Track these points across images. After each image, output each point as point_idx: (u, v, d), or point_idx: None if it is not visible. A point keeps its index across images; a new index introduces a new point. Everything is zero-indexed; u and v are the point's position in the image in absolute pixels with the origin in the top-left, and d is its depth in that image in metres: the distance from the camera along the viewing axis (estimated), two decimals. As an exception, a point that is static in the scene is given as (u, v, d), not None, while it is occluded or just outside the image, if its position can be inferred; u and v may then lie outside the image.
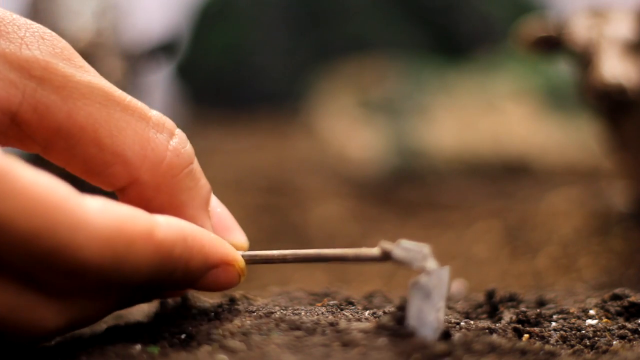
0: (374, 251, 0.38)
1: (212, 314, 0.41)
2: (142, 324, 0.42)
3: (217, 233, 0.43)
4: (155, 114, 0.41)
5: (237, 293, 0.45)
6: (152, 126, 0.41)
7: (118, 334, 0.40)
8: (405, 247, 0.37)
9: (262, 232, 0.94)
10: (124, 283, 0.37)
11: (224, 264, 0.40)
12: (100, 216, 0.35)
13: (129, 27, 1.05)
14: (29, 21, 0.40)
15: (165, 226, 0.37)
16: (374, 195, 1.12)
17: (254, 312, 0.41)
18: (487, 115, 1.32)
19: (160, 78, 1.67)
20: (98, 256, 0.34)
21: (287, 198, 1.10)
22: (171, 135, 0.41)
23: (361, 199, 1.09)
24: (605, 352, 0.40)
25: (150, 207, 0.41)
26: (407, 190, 1.15)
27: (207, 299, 0.44)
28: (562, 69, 1.23)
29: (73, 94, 0.39)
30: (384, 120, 1.33)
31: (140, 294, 0.40)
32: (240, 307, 0.42)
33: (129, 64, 0.95)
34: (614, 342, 0.42)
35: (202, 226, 0.41)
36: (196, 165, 0.42)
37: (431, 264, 0.37)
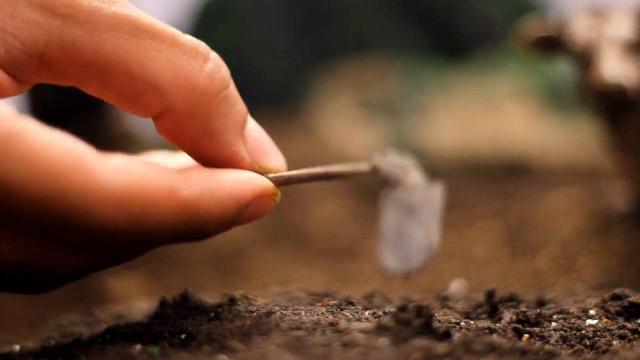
0: (365, 166, 0.38)
1: (212, 314, 0.41)
2: (142, 324, 0.42)
3: (253, 158, 0.42)
4: (188, 39, 0.40)
5: (237, 293, 0.45)
6: (185, 52, 0.40)
7: (118, 334, 0.40)
8: (391, 161, 0.37)
9: (262, 232, 0.94)
10: (146, 241, 0.37)
11: (258, 197, 0.40)
12: (116, 176, 0.34)
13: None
14: None
15: (188, 184, 0.37)
16: (374, 195, 1.12)
17: (254, 312, 0.41)
18: (487, 115, 1.32)
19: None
20: (112, 218, 0.34)
21: (287, 198, 1.10)
22: (205, 60, 0.40)
23: (361, 199, 1.08)
24: (605, 352, 0.40)
25: (185, 134, 0.40)
26: (407, 190, 1.14)
27: (207, 299, 0.44)
28: (562, 69, 1.23)
29: (100, 27, 0.38)
30: (384, 120, 1.33)
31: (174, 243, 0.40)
32: (240, 307, 0.42)
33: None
34: (614, 342, 0.42)
35: (236, 152, 0.41)
36: (232, 90, 0.41)
37: (414, 177, 0.36)
